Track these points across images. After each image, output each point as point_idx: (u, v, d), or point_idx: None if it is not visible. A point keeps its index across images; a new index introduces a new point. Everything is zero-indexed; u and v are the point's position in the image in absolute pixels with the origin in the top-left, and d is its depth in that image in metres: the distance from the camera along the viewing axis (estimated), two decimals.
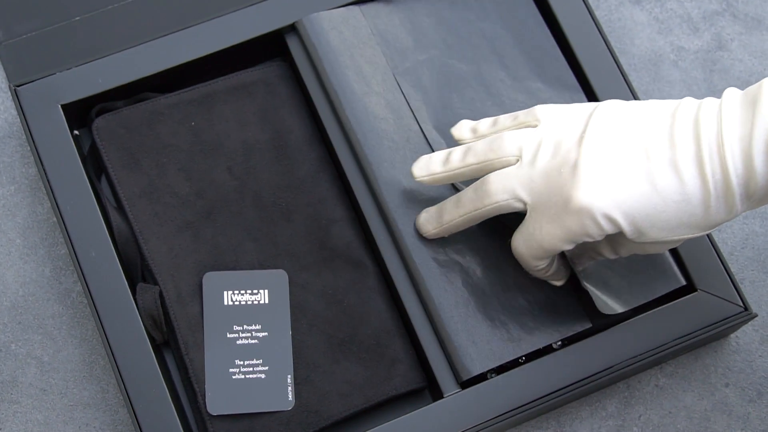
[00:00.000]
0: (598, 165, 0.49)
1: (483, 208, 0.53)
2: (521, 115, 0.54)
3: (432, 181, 0.55)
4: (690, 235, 0.49)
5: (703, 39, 0.68)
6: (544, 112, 0.53)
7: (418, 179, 0.56)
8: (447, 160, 0.54)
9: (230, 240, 0.59)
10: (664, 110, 0.49)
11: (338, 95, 0.61)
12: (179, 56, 0.61)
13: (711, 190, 0.47)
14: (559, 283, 0.57)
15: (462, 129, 0.56)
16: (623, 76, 0.61)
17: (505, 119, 0.54)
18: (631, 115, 0.50)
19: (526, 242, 0.52)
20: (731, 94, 0.48)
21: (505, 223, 0.59)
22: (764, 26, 0.68)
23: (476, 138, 0.55)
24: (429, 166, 0.55)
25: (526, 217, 0.51)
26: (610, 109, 0.51)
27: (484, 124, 0.55)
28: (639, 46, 0.67)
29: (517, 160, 0.52)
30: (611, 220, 0.49)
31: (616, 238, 0.52)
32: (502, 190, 0.51)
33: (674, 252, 0.59)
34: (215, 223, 0.59)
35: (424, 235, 0.57)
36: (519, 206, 0.52)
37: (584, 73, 0.62)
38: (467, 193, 0.54)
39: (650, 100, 0.51)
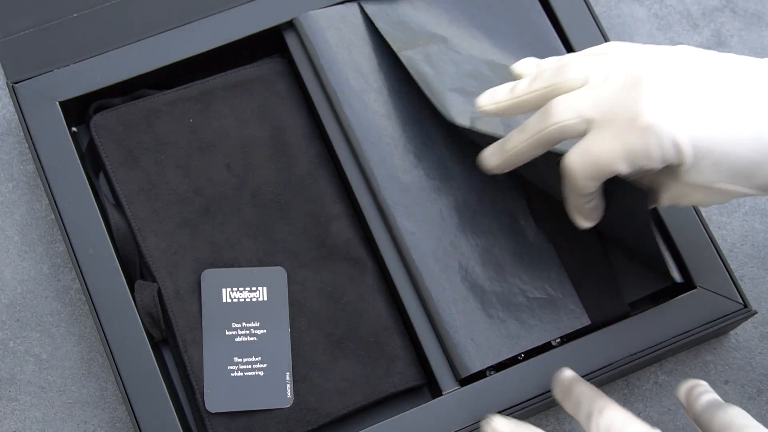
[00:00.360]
0: (673, 86, 0.46)
1: (547, 130, 0.49)
2: (590, 49, 0.52)
3: (497, 110, 0.52)
4: (745, 191, 0.47)
5: (702, 35, 0.68)
6: (615, 45, 0.51)
7: (482, 109, 0.53)
8: (513, 88, 0.52)
9: (229, 237, 0.59)
10: (751, 59, 0.48)
11: (336, 92, 0.61)
12: (177, 53, 0.61)
13: None
14: (588, 224, 0.54)
15: (526, 63, 0.54)
16: None
17: (571, 54, 0.52)
18: (715, 54, 0.48)
19: (581, 158, 0.48)
20: None
21: (505, 220, 0.59)
22: (764, 22, 0.68)
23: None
24: (494, 96, 0.52)
25: (588, 134, 0.49)
26: (691, 48, 0.49)
27: (550, 60, 0.54)
28: (639, 42, 0.67)
29: (583, 85, 0.49)
30: (677, 147, 0.46)
31: (664, 179, 0.50)
32: (567, 109, 0.49)
33: (673, 248, 0.59)
34: (213, 221, 0.59)
35: (488, 168, 0.54)
36: (583, 128, 0.49)
37: None
38: (532, 118, 0.51)
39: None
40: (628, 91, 0.47)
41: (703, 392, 0.49)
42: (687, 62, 0.47)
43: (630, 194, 0.51)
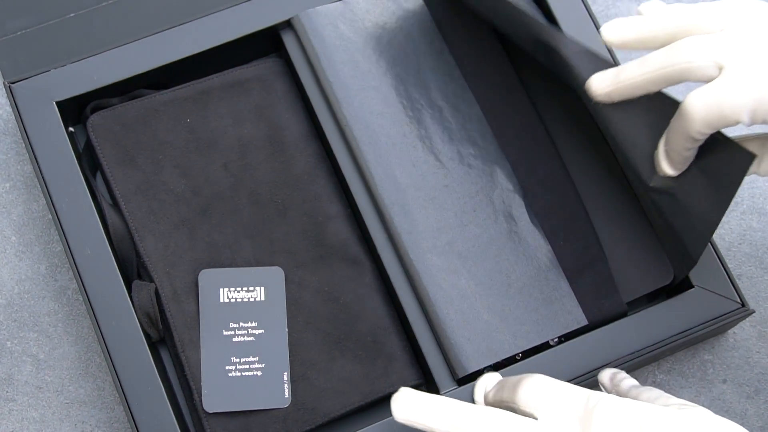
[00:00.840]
0: None
1: (672, 67, 0.48)
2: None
3: (622, 41, 0.51)
4: None
5: None
6: None
7: (606, 39, 0.51)
8: (643, 21, 0.50)
9: (226, 237, 0.59)
10: None
11: (334, 91, 0.61)
12: (174, 53, 0.61)
13: None
14: (674, 172, 0.52)
15: (651, 4, 0.52)
16: None
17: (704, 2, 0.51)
18: None
19: (705, 103, 0.47)
20: None
21: (502, 220, 0.59)
22: None
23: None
24: (620, 26, 0.50)
25: (717, 79, 0.47)
26: None
27: (678, 5, 0.51)
28: None
29: (721, 30, 0.48)
30: None
31: None
32: (701, 50, 0.47)
33: None
34: (211, 220, 0.59)
35: (595, 94, 0.52)
36: (712, 73, 0.48)
37: None
38: (657, 52, 0.49)
39: None
40: (765, 44, 0.46)
41: (624, 378, 0.52)
42: None
43: (733, 154, 0.49)
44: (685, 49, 0.48)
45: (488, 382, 0.54)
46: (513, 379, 0.48)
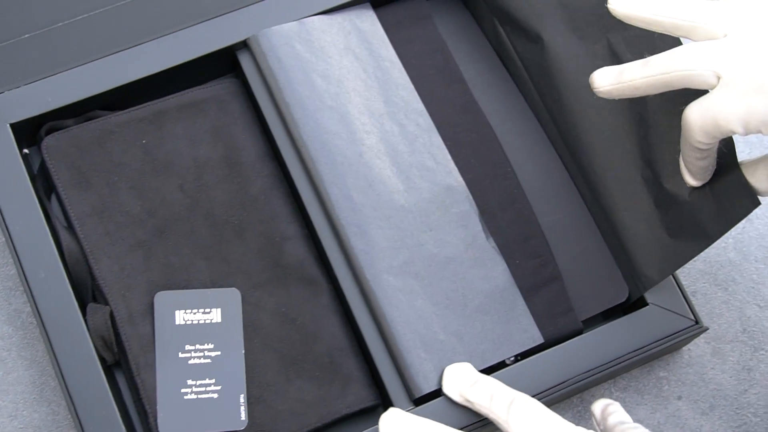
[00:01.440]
0: None
1: (671, 73, 0.48)
2: None
3: (628, 14, 0.50)
4: None
5: None
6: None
7: (615, 11, 0.51)
8: (654, 3, 0.50)
9: (182, 259, 0.59)
10: None
11: (290, 111, 0.61)
12: (130, 74, 0.61)
13: None
14: (696, 183, 0.53)
15: None
16: None
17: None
18: None
19: (702, 113, 0.48)
20: None
21: (459, 238, 0.60)
22: None
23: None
24: (632, 3, 0.50)
25: (714, 90, 0.48)
26: None
27: None
28: None
29: (724, 36, 0.49)
30: None
31: None
32: (699, 58, 0.48)
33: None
34: (167, 242, 0.59)
35: (596, 88, 0.53)
36: (710, 82, 0.48)
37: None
38: (659, 56, 0.50)
39: None
40: (764, 54, 0.46)
41: (614, 411, 0.52)
42: None
43: (741, 191, 0.50)
44: (687, 56, 0.48)
45: (459, 374, 0.54)
46: (504, 395, 0.51)
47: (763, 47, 0.46)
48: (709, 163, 0.52)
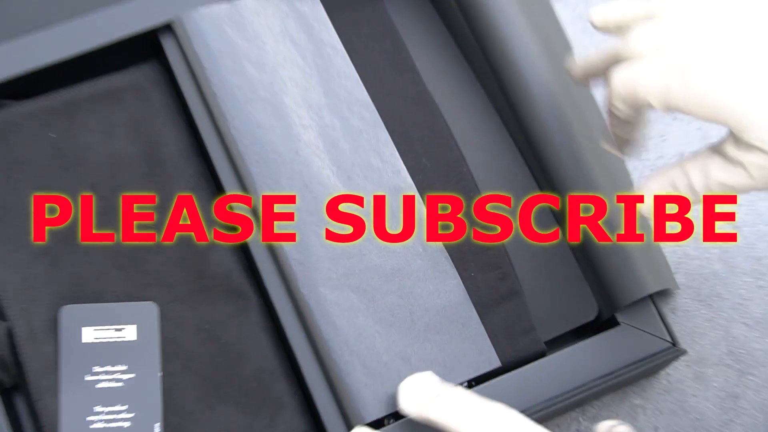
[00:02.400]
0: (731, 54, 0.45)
1: (615, 49, 0.50)
2: None
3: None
4: None
5: None
6: None
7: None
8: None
9: (93, 268, 0.56)
10: None
11: (218, 102, 0.57)
12: (37, 59, 0.57)
13: None
14: (619, 154, 0.53)
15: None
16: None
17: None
18: None
19: (623, 79, 0.48)
20: None
21: (408, 247, 0.56)
22: None
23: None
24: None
25: (642, 60, 0.48)
26: None
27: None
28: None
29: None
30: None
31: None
32: (641, 34, 0.48)
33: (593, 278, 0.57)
34: (75, 249, 0.56)
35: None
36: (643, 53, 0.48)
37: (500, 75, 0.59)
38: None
39: None
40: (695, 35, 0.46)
41: None
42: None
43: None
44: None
45: (419, 387, 0.51)
46: (479, 409, 0.48)
47: (695, 29, 0.46)
48: (629, 136, 0.52)
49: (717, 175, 0.47)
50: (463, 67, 0.62)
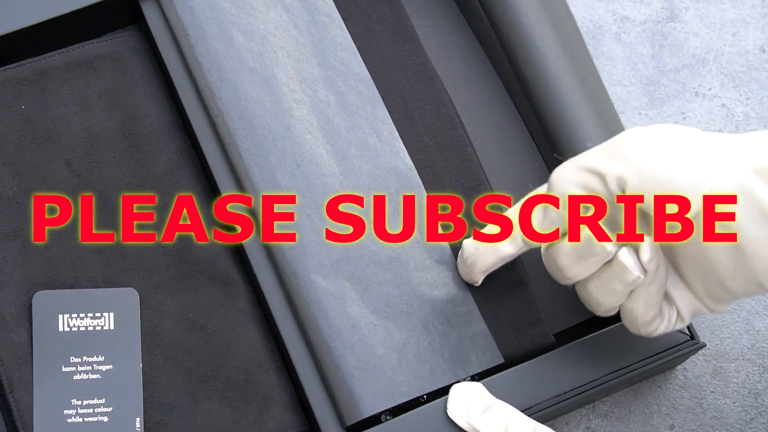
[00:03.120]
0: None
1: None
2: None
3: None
4: None
5: (651, 8, 0.64)
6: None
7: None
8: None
9: (68, 251, 0.54)
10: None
11: (204, 73, 0.56)
12: (5, 24, 0.56)
13: None
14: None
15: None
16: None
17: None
18: None
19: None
20: None
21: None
22: None
23: None
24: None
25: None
26: None
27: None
28: (575, 15, 0.63)
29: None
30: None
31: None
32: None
33: None
34: (50, 231, 0.54)
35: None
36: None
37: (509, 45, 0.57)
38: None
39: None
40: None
41: None
42: None
43: None
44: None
45: (469, 397, 0.51)
46: (524, 427, 0.49)
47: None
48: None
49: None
50: (469, 36, 0.60)
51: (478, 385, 0.52)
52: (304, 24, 0.57)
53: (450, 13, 0.61)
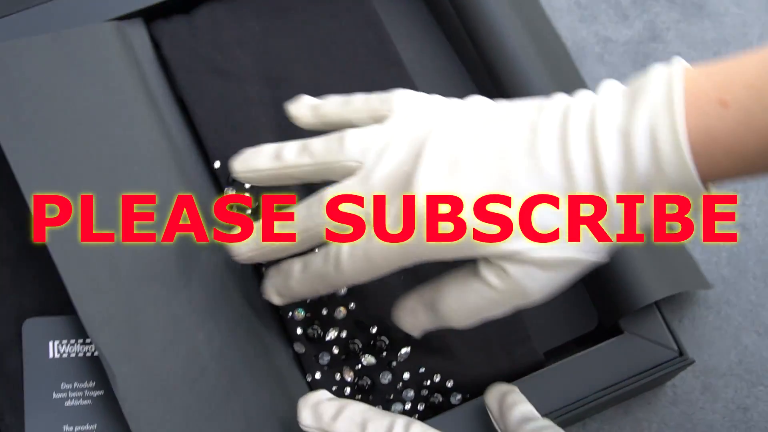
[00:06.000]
0: (444, 155, 0.46)
1: (315, 229, 0.48)
2: (375, 100, 0.50)
3: (256, 179, 0.51)
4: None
5: (633, 28, 0.66)
6: (401, 101, 0.49)
7: (237, 176, 0.51)
8: (278, 155, 0.50)
9: (59, 277, 0.54)
10: (531, 106, 0.46)
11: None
12: None
13: (578, 186, 0.43)
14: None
15: (301, 106, 0.52)
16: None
17: (357, 101, 0.51)
18: (496, 112, 0.47)
19: (354, 261, 0.48)
20: (610, 84, 0.45)
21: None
22: (705, 13, 0.66)
23: (319, 121, 0.51)
24: (253, 161, 0.51)
25: (350, 178, 0.48)
26: (474, 104, 0.48)
27: (331, 103, 0.52)
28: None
29: (358, 168, 0.48)
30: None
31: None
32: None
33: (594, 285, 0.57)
34: (40, 256, 0.55)
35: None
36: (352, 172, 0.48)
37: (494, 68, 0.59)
38: (300, 208, 0.49)
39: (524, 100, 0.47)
40: (400, 172, 0.47)
41: (516, 402, 0.51)
42: (463, 125, 0.47)
43: None
44: (321, 211, 0.49)
45: (317, 405, 0.50)
46: (381, 422, 0.48)
47: (395, 169, 0.47)
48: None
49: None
50: (453, 60, 0.62)
51: (322, 392, 0.51)
52: None
53: (434, 36, 0.62)
